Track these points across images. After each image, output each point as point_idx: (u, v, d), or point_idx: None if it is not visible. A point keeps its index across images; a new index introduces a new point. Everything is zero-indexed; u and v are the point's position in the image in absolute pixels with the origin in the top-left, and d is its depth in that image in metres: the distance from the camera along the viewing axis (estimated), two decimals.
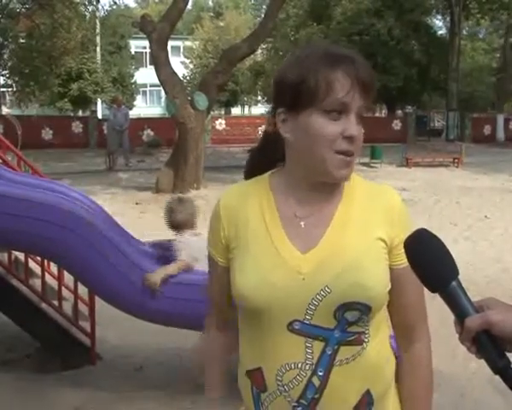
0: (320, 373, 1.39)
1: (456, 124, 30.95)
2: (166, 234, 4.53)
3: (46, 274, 4.98)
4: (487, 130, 32.19)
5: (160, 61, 13.46)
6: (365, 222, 1.44)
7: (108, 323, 5.21)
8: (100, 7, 26.04)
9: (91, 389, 4.43)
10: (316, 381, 1.39)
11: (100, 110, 36.52)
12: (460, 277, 1.13)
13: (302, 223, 1.44)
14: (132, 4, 58.11)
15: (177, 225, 4.21)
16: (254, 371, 1.47)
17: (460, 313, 1.09)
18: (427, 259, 1.13)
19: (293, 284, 1.39)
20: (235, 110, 48.15)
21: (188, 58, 44.96)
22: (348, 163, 1.39)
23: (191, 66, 44.09)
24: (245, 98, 45.46)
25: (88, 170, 18.04)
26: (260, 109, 48.17)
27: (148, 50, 28.38)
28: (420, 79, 31.73)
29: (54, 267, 5.22)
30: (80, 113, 34.95)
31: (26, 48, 23.32)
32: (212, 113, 22.37)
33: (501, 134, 31.75)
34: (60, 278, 4.95)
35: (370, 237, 1.43)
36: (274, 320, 1.41)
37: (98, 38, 33.48)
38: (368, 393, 1.44)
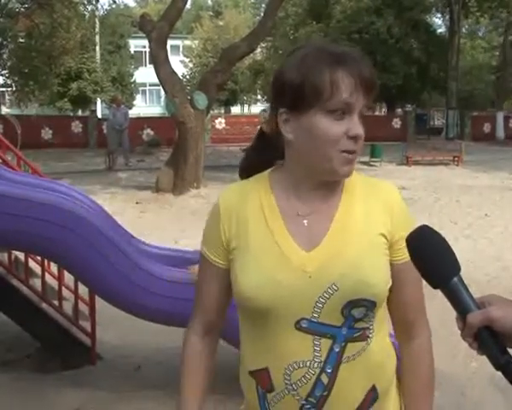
0: (328, 371, 1.39)
1: (456, 122, 30.96)
2: (165, 233, 4.52)
3: (46, 274, 4.98)
4: (487, 128, 32.20)
5: (159, 61, 13.45)
6: (366, 219, 1.44)
7: (109, 323, 5.21)
8: (99, 6, 26.08)
9: (91, 389, 4.43)
10: (324, 378, 1.39)
11: (99, 110, 36.54)
12: (460, 272, 1.13)
13: (305, 221, 1.44)
14: (132, 4, 58.20)
15: None
16: (260, 371, 1.45)
17: (462, 309, 1.09)
18: (429, 255, 1.13)
19: (299, 283, 1.38)
20: (235, 109, 48.17)
21: (187, 57, 44.97)
22: (351, 160, 1.41)
23: (191, 65, 44.09)
24: (244, 97, 45.48)
25: (88, 170, 18.05)
26: (260, 108, 48.17)
27: (147, 50, 28.37)
28: (419, 77, 31.74)
29: (54, 267, 5.22)
30: (80, 112, 34.95)
31: (26, 47, 23.30)
32: (211, 112, 22.38)
33: (501, 132, 31.76)
34: (60, 278, 4.95)
35: (372, 234, 1.43)
36: (281, 319, 1.40)
37: (97, 38, 33.49)
38: (373, 389, 1.45)
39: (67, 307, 5.08)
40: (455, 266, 1.12)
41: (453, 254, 1.13)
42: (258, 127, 1.65)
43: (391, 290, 1.47)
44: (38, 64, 22.88)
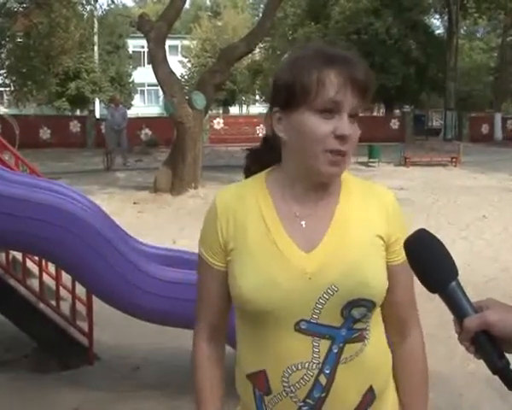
0: (327, 371, 1.39)
1: (454, 123, 30.99)
2: (163, 233, 4.52)
3: (44, 274, 4.98)
4: (485, 129, 32.23)
5: (157, 61, 13.45)
6: (364, 221, 1.46)
7: (106, 323, 5.21)
8: (98, 6, 26.06)
9: (89, 389, 4.43)
10: (323, 380, 1.39)
11: (98, 110, 36.51)
12: (458, 276, 1.13)
13: (303, 222, 1.44)
14: (130, 4, 58.17)
15: None
16: (257, 373, 1.44)
17: (459, 314, 1.09)
18: (427, 259, 1.13)
19: (299, 284, 1.38)
20: (233, 109, 48.17)
21: (186, 57, 44.96)
22: (339, 162, 1.38)
23: (189, 65, 44.09)
24: (243, 97, 45.48)
25: (86, 169, 18.04)
26: (258, 108, 48.15)
27: (145, 50, 28.41)
28: (418, 78, 31.76)
29: (51, 267, 5.21)
30: (78, 112, 34.94)
31: (24, 47, 23.25)
32: (210, 112, 22.37)
33: (499, 133, 31.79)
34: (57, 278, 4.94)
35: (370, 235, 1.45)
36: (280, 321, 1.39)
37: (96, 38, 33.46)
38: (371, 389, 1.45)
39: (65, 307, 5.07)
40: (452, 271, 1.13)
41: (451, 258, 1.14)
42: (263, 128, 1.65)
43: (387, 292, 1.47)
44: (37, 64, 22.85)
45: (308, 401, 1.39)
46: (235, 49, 14.68)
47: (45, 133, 25.64)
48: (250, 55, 24.13)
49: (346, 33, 29.62)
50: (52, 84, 26.59)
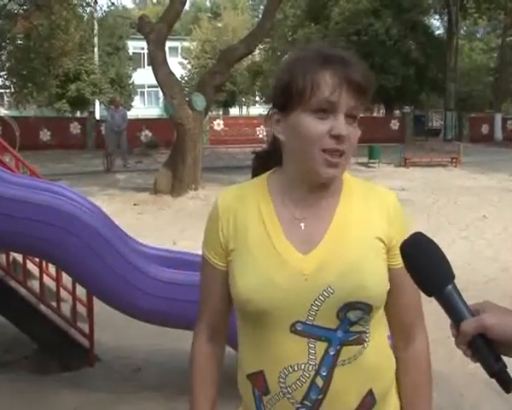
0: (323, 374, 1.39)
1: (454, 123, 30.99)
2: (164, 235, 4.53)
3: (44, 275, 4.98)
4: (485, 129, 32.24)
5: (157, 62, 13.46)
6: (364, 222, 1.45)
7: (107, 324, 5.21)
8: (98, 8, 26.06)
9: (90, 391, 4.43)
10: (319, 382, 1.39)
11: (98, 111, 36.51)
12: (458, 276, 1.13)
13: (302, 224, 1.44)
14: (130, 5, 58.21)
15: None
16: (256, 374, 1.45)
17: (456, 317, 1.09)
18: (423, 263, 1.13)
19: (295, 285, 1.39)
20: (233, 111, 48.17)
21: (186, 59, 44.99)
22: (336, 163, 1.38)
23: (189, 66, 44.10)
24: (243, 99, 45.49)
25: (86, 171, 18.04)
26: (258, 110, 48.12)
27: (145, 51, 28.42)
28: (418, 78, 31.76)
29: (52, 269, 5.21)
30: (78, 114, 34.94)
31: (24, 49, 23.26)
32: (210, 113, 22.37)
33: (499, 134, 31.80)
34: (58, 280, 4.95)
35: (370, 237, 1.44)
36: (277, 322, 1.40)
37: (96, 39, 33.47)
38: (370, 393, 1.44)
39: (65, 308, 5.08)
40: (449, 274, 1.12)
41: (447, 261, 1.13)
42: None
43: (389, 294, 1.47)
44: (37, 66, 22.86)
45: (305, 402, 1.40)
46: (235, 51, 14.69)
47: (45, 135, 25.64)
48: (250, 56, 24.12)
49: (345, 34, 29.62)
50: (52, 86, 26.61)
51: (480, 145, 28.03)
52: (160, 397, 4.30)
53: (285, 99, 1.41)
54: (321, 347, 1.39)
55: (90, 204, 4.53)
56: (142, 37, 14.29)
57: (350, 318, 1.39)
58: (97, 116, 32.43)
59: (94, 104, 36.18)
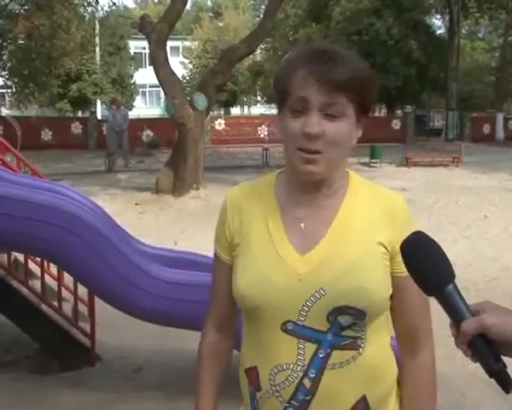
0: (311, 375, 1.39)
1: (456, 123, 30.96)
2: (165, 234, 4.53)
3: (46, 275, 4.98)
4: (486, 129, 32.20)
5: (158, 62, 13.46)
6: (366, 226, 1.43)
7: (108, 324, 5.21)
8: (99, 8, 26.02)
9: (91, 391, 4.43)
10: (307, 383, 1.39)
11: (99, 111, 36.53)
12: (459, 276, 1.13)
13: (302, 224, 1.45)
14: (131, 5, 58.20)
15: None
16: (251, 369, 1.48)
17: (456, 317, 1.08)
18: (424, 262, 1.12)
19: (289, 285, 1.40)
20: (235, 110, 48.17)
21: (187, 58, 44.97)
22: (313, 160, 1.38)
23: (190, 66, 44.10)
24: (244, 98, 45.47)
25: (87, 171, 18.05)
26: (260, 109, 48.17)
27: (147, 51, 28.37)
28: (419, 78, 31.74)
29: (53, 268, 5.22)
30: (80, 114, 34.94)
31: (26, 49, 23.28)
32: (211, 113, 22.36)
33: (500, 133, 31.76)
34: (59, 279, 4.95)
35: (370, 242, 1.42)
36: (269, 320, 1.42)
37: (97, 39, 33.46)
38: (364, 399, 1.42)
39: (67, 308, 5.08)
40: (449, 274, 1.12)
41: (448, 261, 1.13)
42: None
43: (394, 301, 1.46)
44: (38, 66, 22.88)
45: (293, 402, 1.40)
46: (237, 50, 14.68)
47: (47, 135, 25.65)
48: (251, 55, 24.12)
49: (347, 34, 29.61)
50: (54, 86, 26.61)
51: (481, 145, 28.00)
52: (162, 397, 4.31)
53: (277, 99, 1.45)
54: (310, 348, 1.39)
55: (92, 204, 4.54)
56: (144, 36, 14.29)
57: (340, 322, 1.38)
58: (99, 116, 32.45)
59: (95, 104, 36.18)
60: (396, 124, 31.20)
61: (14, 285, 4.76)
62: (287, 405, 1.41)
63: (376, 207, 1.45)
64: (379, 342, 1.46)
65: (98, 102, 36.57)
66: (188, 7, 31.88)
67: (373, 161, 19.81)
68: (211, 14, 52.33)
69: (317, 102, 1.36)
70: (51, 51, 22.48)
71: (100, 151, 21.75)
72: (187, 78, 41.18)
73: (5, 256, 4.85)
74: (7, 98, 34.36)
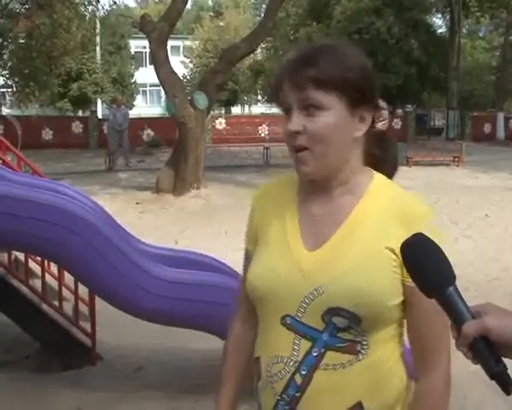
0: (303, 372, 1.39)
1: (457, 122, 30.94)
2: (166, 234, 4.52)
3: (46, 274, 4.98)
4: (487, 128, 32.16)
5: (159, 61, 13.45)
6: (377, 229, 1.39)
7: (108, 323, 5.21)
8: (100, 7, 25.98)
9: (91, 390, 4.43)
10: (298, 379, 1.39)
11: (100, 110, 36.52)
12: (460, 276, 1.12)
13: (315, 222, 1.46)
14: (132, 4, 58.14)
15: None
16: (257, 358, 1.51)
17: (457, 319, 1.08)
18: (424, 264, 1.11)
19: (292, 279, 1.41)
20: (235, 109, 48.15)
21: (187, 58, 44.95)
22: (302, 160, 1.41)
23: (191, 65, 44.07)
24: (245, 97, 45.43)
25: (88, 170, 18.04)
26: (260, 109, 48.13)
27: (147, 50, 28.39)
28: (420, 77, 31.70)
29: (54, 267, 5.22)
30: (80, 113, 34.94)
31: (26, 48, 23.25)
32: (212, 112, 22.36)
33: (501, 133, 31.73)
34: (60, 279, 4.95)
35: (379, 246, 1.38)
36: (272, 311, 1.44)
37: (98, 38, 33.44)
38: (359, 406, 1.39)
39: (67, 307, 5.08)
40: (450, 275, 1.11)
41: (448, 262, 1.12)
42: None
43: (407, 313, 1.42)
44: (39, 65, 22.85)
45: (284, 396, 1.41)
46: (237, 50, 14.67)
47: (47, 134, 25.64)
48: (252, 55, 24.08)
49: (347, 33, 29.57)
50: (54, 85, 26.57)
51: (482, 144, 27.98)
52: (162, 396, 4.31)
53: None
54: (305, 345, 1.39)
55: (93, 203, 4.53)
56: (144, 36, 14.28)
57: (335, 323, 1.37)
58: (99, 115, 32.43)
59: (96, 103, 36.18)
60: (396, 123, 31.14)
61: (15, 284, 4.76)
62: (279, 398, 1.41)
63: (393, 211, 1.41)
64: (385, 352, 1.43)
65: (99, 102, 36.56)
66: (188, 6, 31.88)
67: None
68: (211, 14, 52.28)
69: (293, 101, 1.40)
70: (52, 50, 22.46)
71: (100, 150, 21.75)
72: (187, 77, 41.15)
73: (5, 255, 4.85)
74: (7, 97, 34.33)
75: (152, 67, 14.54)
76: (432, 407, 1.43)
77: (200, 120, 13.63)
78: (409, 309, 1.41)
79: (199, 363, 4.89)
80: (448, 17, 34.93)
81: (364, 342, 1.39)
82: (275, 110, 48.09)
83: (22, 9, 23.09)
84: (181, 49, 47.70)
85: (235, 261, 6.00)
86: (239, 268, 4.60)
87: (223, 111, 43.41)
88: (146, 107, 47.48)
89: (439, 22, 42.56)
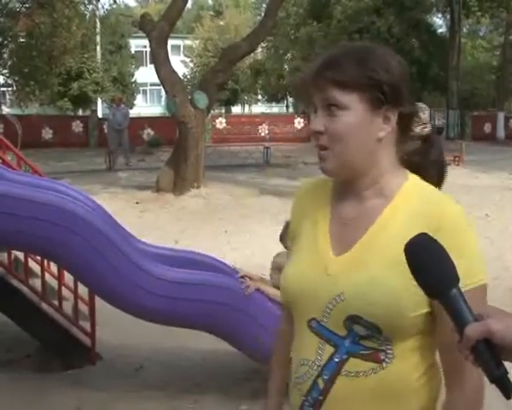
0: (325, 377, 1.39)
1: (457, 122, 30.94)
2: (166, 233, 4.52)
3: (46, 274, 4.98)
4: (487, 128, 32.15)
5: (159, 60, 13.44)
6: (405, 235, 1.23)
7: (109, 323, 5.21)
8: (100, 6, 25.99)
9: (91, 389, 4.43)
10: (320, 383, 1.40)
11: (100, 109, 36.50)
12: (459, 283, 1.11)
13: (344, 225, 1.45)
14: (132, 3, 58.09)
15: None
16: (290, 359, 1.54)
17: (460, 321, 1.07)
18: (428, 265, 1.11)
19: (318, 284, 1.42)
20: (236, 109, 48.14)
21: (188, 57, 44.94)
22: (323, 157, 1.43)
23: (191, 65, 44.05)
24: (245, 97, 45.43)
25: (88, 169, 18.03)
26: (260, 108, 48.14)
27: (148, 49, 28.35)
28: (420, 77, 31.69)
29: (54, 267, 5.21)
30: (80, 112, 34.93)
31: (26, 47, 23.22)
32: (212, 112, 22.35)
33: (501, 132, 31.71)
34: (60, 278, 4.95)
35: (400, 254, 1.27)
36: (300, 314, 1.47)
37: (98, 38, 33.45)
38: None
39: (67, 306, 5.08)
40: (454, 277, 1.10)
41: (452, 264, 1.11)
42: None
43: (436, 326, 1.37)
44: (39, 64, 22.84)
45: (308, 398, 1.42)
46: (238, 49, 14.66)
47: (47, 133, 25.62)
48: (252, 54, 24.08)
49: (348, 32, 29.57)
50: (54, 84, 26.58)
51: (482, 144, 27.97)
52: (163, 396, 4.30)
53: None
54: (328, 350, 1.39)
55: (93, 203, 4.52)
56: (145, 35, 14.27)
57: (356, 331, 1.36)
58: (100, 114, 32.42)
59: (96, 103, 36.17)
60: None
61: (15, 284, 4.75)
62: (304, 399, 1.43)
63: (422, 215, 1.37)
64: (412, 362, 1.39)
65: (99, 101, 36.55)
66: (189, 5, 31.87)
67: None
68: (212, 13, 52.25)
69: (317, 101, 1.42)
70: (52, 49, 22.45)
71: (101, 150, 21.73)
72: (188, 76, 41.14)
73: (5, 255, 4.85)
74: (7, 97, 34.33)
75: (152, 66, 14.53)
76: None
77: (200, 119, 13.62)
78: (436, 320, 1.36)
79: (199, 363, 4.89)
80: (448, 17, 34.90)
81: (389, 351, 1.37)
82: (275, 110, 48.14)
83: (22, 8, 23.07)
84: (181, 49, 47.69)
85: (235, 261, 6.01)
86: (239, 267, 4.60)
87: (223, 110, 43.39)
88: (146, 106, 47.47)
89: (439, 22, 42.53)
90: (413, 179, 1.46)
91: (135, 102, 40.82)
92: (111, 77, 35.72)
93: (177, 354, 5.05)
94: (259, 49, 31.91)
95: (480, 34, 44.99)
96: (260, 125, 28.15)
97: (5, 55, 24.22)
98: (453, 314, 1.08)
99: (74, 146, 24.75)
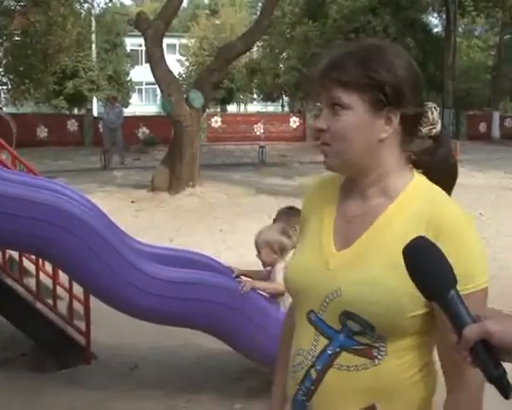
0: (318, 368, 1.42)
1: (452, 121, 30.99)
2: (161, 232, 4.50)
3: (41, 273, 4.96)
4: (483, 127, 32.24)
5: (155, 59, 13.43)
6: (405, 235, 1.26)
7: (103, 322, 5.20)
8: (95, 4, 26.02)
9: (86, 389, 4.42)
10: (313, 373, 1.43)
11: (95, 108, 36.44)
12: (457, 285, 1.11)
13: (348, 221, 1.47)
14: (128, 2, 58.03)
15: (282, 249, 3.91)
16: (291, 349, 1.55)
17: (458, 323, 1.07)
18: (426, 267, 1.11)
19: (318, 277, 1.44)
20: (231, 108, 48.12)
21: (183, 56, 44.88)
22: (325, 152, 1.46)
23: (187, 63, 44.01)
24: (241, 96, 45.41)
25: (83, 168, 18.00)
26: (256, 107, 48.13)
27: (143, 48, 28.34)
28: None
29: (48, 266, 5.20)
30: (75, 111, 34.86)
31: (21, 45, 23.14)
32: (207, 110, 22.34)
33: (496, 132, 31.80)
34: (55, 277, 4.93)
35: (398, 254, 1.27)
36: (300, 305, 1.51)
37: (93, 36, 33.39)
38: (373, 408, 1.39)
39: (62, 306, 5.06)
40: (451, 279, 1.10)
41: (450, 266, 1.11)
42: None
43: (436, 326, 1.37)
44: (34, 62, 22.78)
45: (302, 387, 1.45)
46: (233, 48, 14.66)
47: (42, 132, 25.57)
48: (248, 53, 24.08)
49: (343, 32, 29.57)
50: (49, 83, 26.51)
51: (477, 143, 28.03)
52: (158, 395, 4.30)
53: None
54: (322, 342, 1.42)
55: (89, 203, 4.51)
56: (140, 34, 14.26)
57: (350, 326, 1.38)
58: (95, 113, 32.36)
59: (91, 101, 36.10)
60: None
61: (9, 283, 4.74)
62: (298, 388, 1.46)
63: (423, 216, 1.37)
64: (406, 361, 1.40)
65: (94, 100, 36.49)
66: (184, 4, 31.81)
67: None
68: (207, 12, 52.21)
69: (323, 99, 1.45)
70: (47, 48, 22.39)
71: (96, 148, 21.69)
72: (183, 75, 41.10)
73: (0, 254, 4.83)
74: (2, 95, 34.22)
75: (148, 65, 14.51)
76: None
77: (195, 118, 13.61)
78: (435, 321, 1.36)
79: (194, 362, 4.89)
80: (444, 16, 34.95)
81: (382, 349, 1.38)
82: (270, 109, 48.13)
83: (17, 7, 23.00)
84: (177, 48, 47.64)
85: (230, 259, 6.01)
86: (233, 266, 4.59)
87: (218, 109, 43.36)
88: (142, 105, 47.43)
89: (435, 21, 42.57)
90: (419, 179, 1.46)
91: (130, 101, 40.75)
92: (106, 76, 35.63)
93: (172, 353, 5.04)
94: (255, 48, 31.90)
95: (476, 34, 45.07)
96: (256, 124, 28.17)
97: (0, 54, 24.15)
98: (451, 316, 1.09)
99: (69, 145, 24.71)
